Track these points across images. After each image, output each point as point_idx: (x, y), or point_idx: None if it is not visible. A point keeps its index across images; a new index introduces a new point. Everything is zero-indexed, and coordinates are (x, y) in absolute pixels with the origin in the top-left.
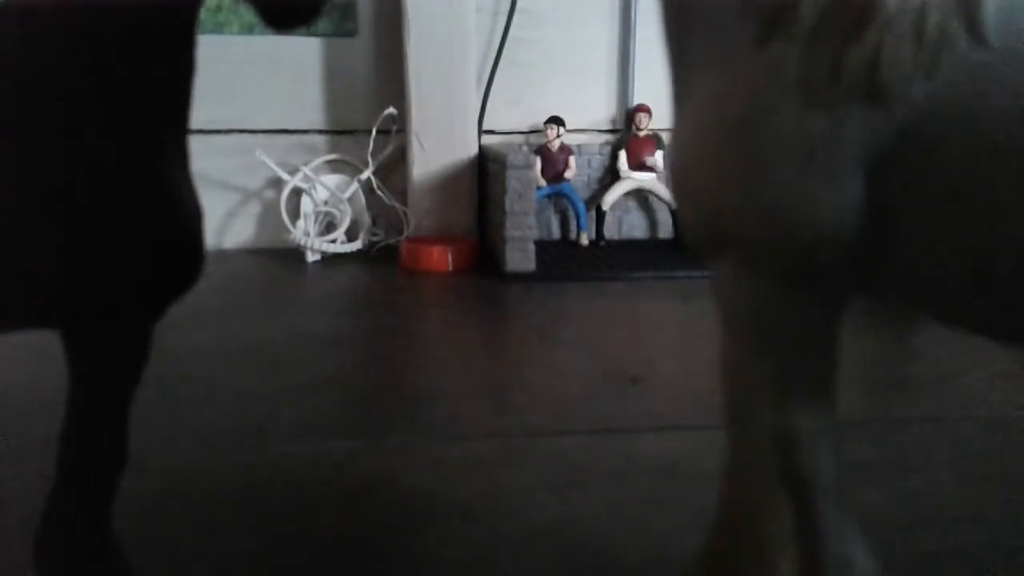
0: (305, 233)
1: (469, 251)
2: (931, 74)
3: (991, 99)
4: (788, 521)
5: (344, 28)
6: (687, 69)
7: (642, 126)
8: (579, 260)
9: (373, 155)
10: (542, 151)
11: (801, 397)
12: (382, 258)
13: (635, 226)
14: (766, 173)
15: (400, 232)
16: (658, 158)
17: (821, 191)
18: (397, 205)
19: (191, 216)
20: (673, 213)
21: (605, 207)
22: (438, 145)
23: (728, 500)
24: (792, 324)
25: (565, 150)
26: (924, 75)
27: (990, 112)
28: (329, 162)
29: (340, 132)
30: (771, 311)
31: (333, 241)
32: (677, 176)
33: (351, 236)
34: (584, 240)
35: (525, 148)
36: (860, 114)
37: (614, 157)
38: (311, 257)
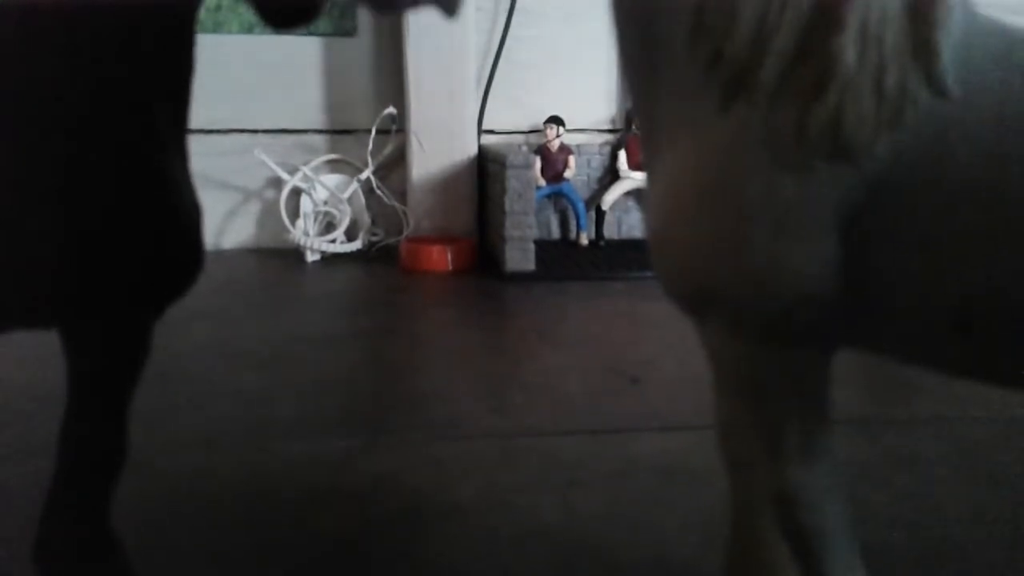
0: (305, 233)
1: (469, 251)
2: (894, 128)
3: (955, 147)
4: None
5: (343, 27)
6: (657, 135)
7: None
8: (579, 260)
9: (372, 155)
10: (542, 151)
11: (796, 453)
12: (382, 258)
13: (635, 226)
14: (739, 238)
15: (400, 232)
16: None
17: (795, 252)
18: (397, 205)
19: (190, 215)
20: None
21: (605, 207)
22: (437, 145)
23: (736, 550)
24: (779, 381)
25: (565, 150)
26: (887, 130)
27: (955, 160)
28: (329, 162)
29: (339, 132)
30: (757, 369)
31: (333, 241)
32: (654, 240)
33: (350, 236)
34: (584, 240)
35: (525, 148)
36: (828, 172)
37: (614, 157)
38: (311, 257)
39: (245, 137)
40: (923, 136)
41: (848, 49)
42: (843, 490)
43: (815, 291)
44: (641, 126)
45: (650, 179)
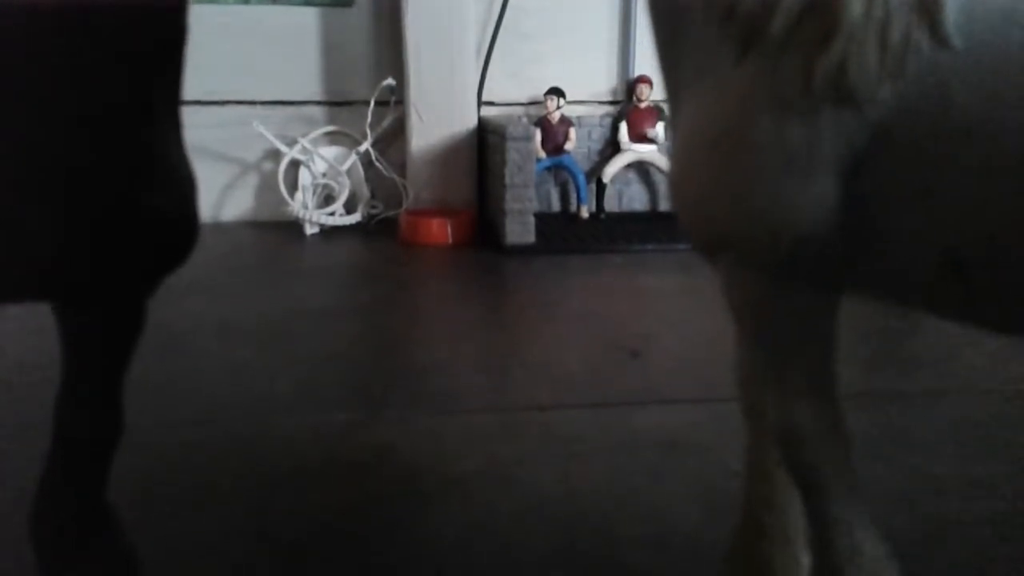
0: (303, 206)
1: (468, 223)
2: (897, 77)
3: (955, 96)
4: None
5: None
6: (678, 86)
7: (643, 97)
8: (579, 232)
9: (371, 127)
10: (542, 123)
11: (800, 391)
12: (381, 231)
13: (635, 198)
14: (749, 179)
15: (399, 205)
16: (659, 130)
17: (800, 193)
18: (396, 177)
19: (185, 187)
20: None
21: (605, 179)
22: (437, 117)
23: (750, 490)
24: (785, 321)
25: (565, 122)
26: (890, 79)
27: (955, 109)
28: (327, 134)
29: (338, 104)
30: (765, 307)
31: (332, 214)
32: (674, 184)
33: (350, 209)
34: (584, 212)
35: (525, 120)
36: (832, 119)
37: (615, 129)
38: (310, 230)
39: (243, 109)
40: (925, 86)
41: (854, 4)
42: (846, 432)
43: (818, 230)
44: (666, 84)
45: (672, 130)
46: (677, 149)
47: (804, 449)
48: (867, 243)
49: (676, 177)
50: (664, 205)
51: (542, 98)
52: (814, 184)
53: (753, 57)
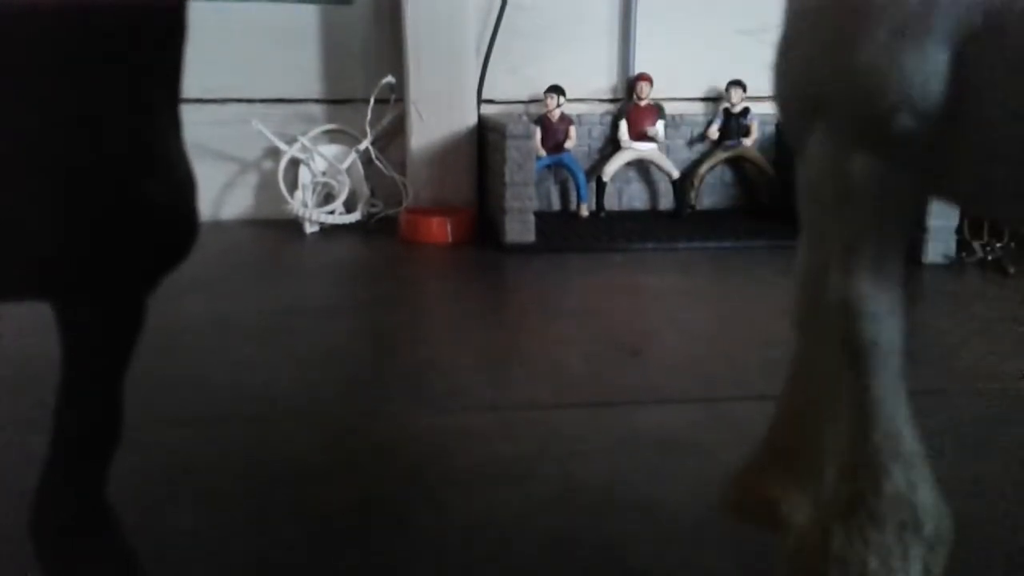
0: (303, 204)
1: (468, 222)
2: None
3: None
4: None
5: None
6: None
7: (643, 95)
8: (579, 231)
9: (371, 125)
10: (542, 121)
11: (868, 265)
12: (381, 229)
13: (635, 197)
14: (861, 38)
15: (399, 203)
16: (659, 128)
17: (909, 57)
18: (396, 176)
19: (184, 185)
20: (674, 184)
21: (605, 178)
22: (437, 115)
23: (796, 363)
24: (869, 191)
25: (565, 120)
26: None
27: None
28: (327, 132)
29: (338, 102)
30: (850, 175)
31: (331, 212)
32: (781, 50)
33: (349, 207)
34: (584, 211)
35: (525, 118)
36: None
37: (615, 127)
38: (309, 228)
39: (242, 107)
40: None
41: None
42: (903, 313)
43: (918, 97)
44: None
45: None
46: (789, 16)
47: (864, 322)
48: (962, 124)
49: (785, 43)
50: (664, 204)
51: (542, 96)
52: (924, 51)
53: None
